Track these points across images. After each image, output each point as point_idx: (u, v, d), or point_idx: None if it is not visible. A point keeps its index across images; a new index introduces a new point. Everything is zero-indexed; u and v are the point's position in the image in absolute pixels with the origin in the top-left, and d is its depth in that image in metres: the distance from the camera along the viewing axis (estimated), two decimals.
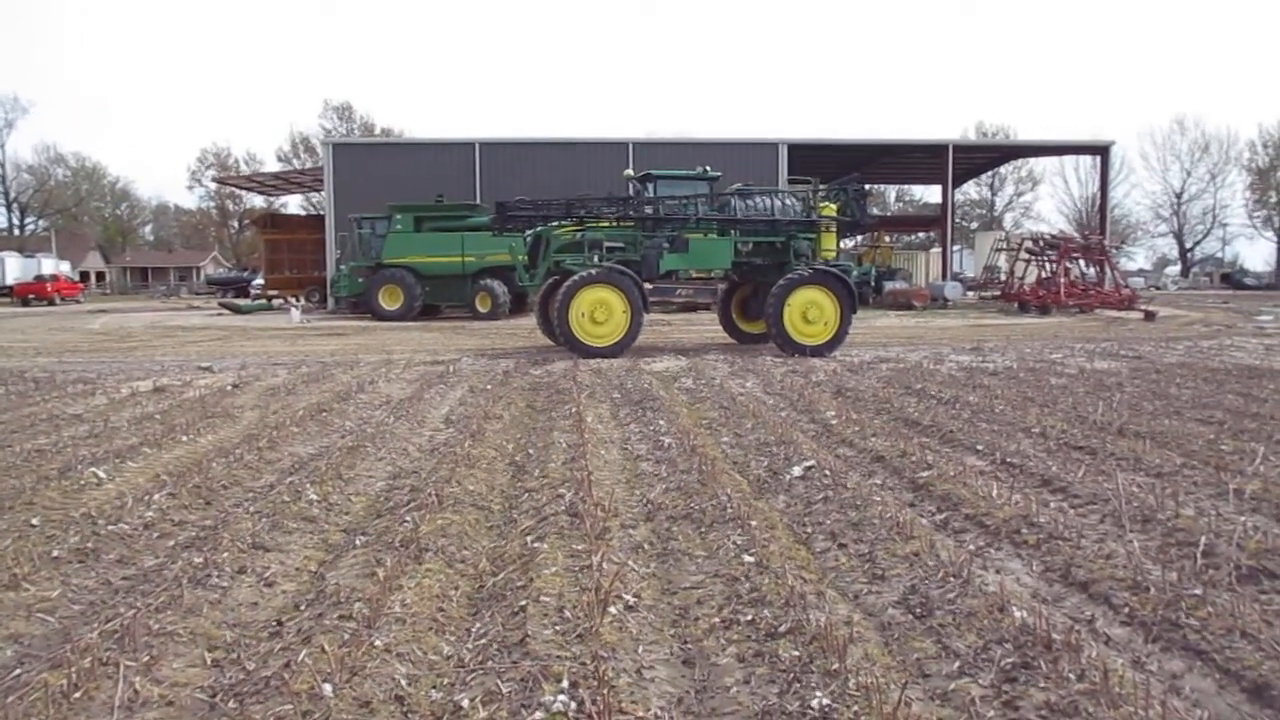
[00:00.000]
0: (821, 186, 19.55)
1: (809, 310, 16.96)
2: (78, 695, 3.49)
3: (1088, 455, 7.47)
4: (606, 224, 18.16)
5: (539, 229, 18.22)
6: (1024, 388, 11.61)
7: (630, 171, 19.29)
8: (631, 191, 19.21)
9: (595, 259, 17.46)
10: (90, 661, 3.69)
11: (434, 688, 3.60)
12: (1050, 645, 3.69)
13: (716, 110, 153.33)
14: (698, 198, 18.29)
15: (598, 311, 16.56)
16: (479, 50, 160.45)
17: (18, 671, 3.79)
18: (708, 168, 19.36)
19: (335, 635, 3.94)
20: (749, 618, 4.18)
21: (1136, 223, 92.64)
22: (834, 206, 18.54)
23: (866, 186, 18.72)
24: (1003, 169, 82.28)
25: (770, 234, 18.20)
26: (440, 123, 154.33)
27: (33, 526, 5.70)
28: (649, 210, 18.16)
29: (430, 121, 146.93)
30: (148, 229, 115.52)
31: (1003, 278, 38.24)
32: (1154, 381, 12.11)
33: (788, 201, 18.62)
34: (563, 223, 18.12)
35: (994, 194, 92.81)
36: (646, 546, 5.40)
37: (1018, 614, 4.01)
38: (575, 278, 16.69)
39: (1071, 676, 3.47)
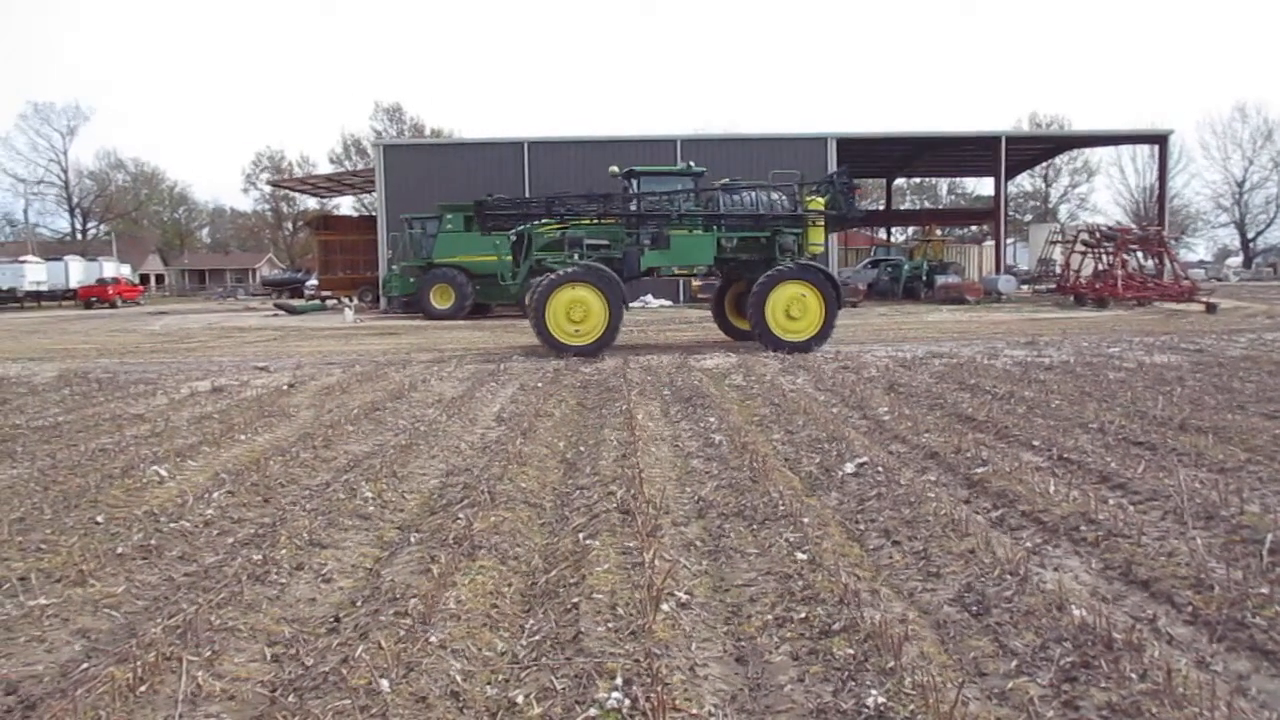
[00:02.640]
0: (813, 182, 19.12)
1: (792, 306, 16.77)
2: (143, 689, 3.57)
3: (1148, 451, 7.32)
4: (589, 221, 18.02)
5: (523, 227, 18.07)
6: (1081, 382, 11.41)
7: (615, 168, 19.13)
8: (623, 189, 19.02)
9: (576, 257, 17.35)
10: (155, 656, 3.78)
11: (489, 684, 3.64)
12: (1111, 644, 3.62)
13: (764, 106, 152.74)
14: (681, 193, 18.08)
15: (574, 310, 16.45)
16: (527, 50, 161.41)
17: (85, 665, 3.89)
18: (691, 163, 19.17)
19: (391, 631, 3.99)
20: (802, 615, 4.16)
21: (1196, 213, 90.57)
22: (822, 200, 18.24)
23: (854, 179, 18.22)
24: (1057, 160, 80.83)
25: (755, 229, 17.94)
26: (488, 123, 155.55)
27: (98, 524, 5.85)
28: (628, 207, 18.02)
29: (478, 122, 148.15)
30: (205, 232, 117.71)
31: (1058, 271, 37.59)
32: (1216, 375, 11.84)
33: (773, 196, 18.23)
34: (548, 221, 18.00)
35: (1048, 185, 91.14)
36: (698, 544, 5.39)
37: (1077, 612, 3.95)
38: (552, 277, 16.61)
39: (1133, 676, 3.41)
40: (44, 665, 3.92)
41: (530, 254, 17.71)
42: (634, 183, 18.52)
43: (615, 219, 18.03)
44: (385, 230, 39.58)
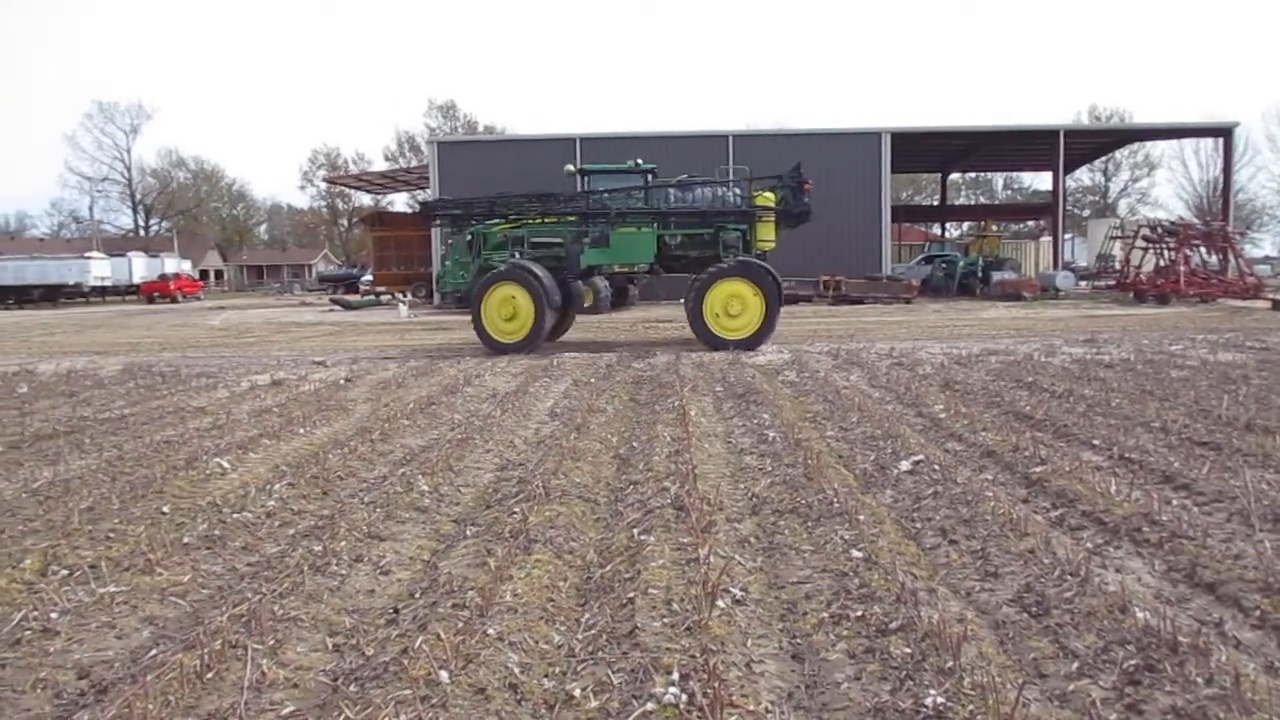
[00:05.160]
0: (763, 178, 18.86)
1: (730, 304, 16.64)
2: (210, 676, 3.66)
3: (1212, 451, 7.16)
4: (534, 220, 18.12)
5: (477, 227, 18.23)
6: (1142, 381, 11.18)
7: (570, 167, 19.28)
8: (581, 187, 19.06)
9: (517, 256, 17.45)
10: (220, 644, 3.87)
11: (546, 676, 3.67)
12: (1176, 647, 3.56)
13: (815, 101, 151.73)
14: (624, 190, 18.05)
15: (504, 309, 16.68)
16: (580, 45, 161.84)
17: (154, 652, 4.00)
18: (639, 160, 19.13)
19: (449, 623, 4.03)
20: (858, 613, 4.14)
21: (1262, 207, 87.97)
22: (772, 195, 18.01)
23: (805, 174, 18.02)
24: (1117, 154, 79.29)
25: (699, 225, 17.81)
26: (540, 119, 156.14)
27: (163, 514, 5.99)
28: (570, 205, 18.13)
29: (530, 119, 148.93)
30: (263, 228, 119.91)
31: (1117, 266, 36.86)
32: None
33: (720, 191, 18.06)
34: (499, 220, 18.18)
35: (1108, 180, 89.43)
36: (753, 540, 5.39)
37: (1140, 615, 3.88)
38: (486, 276, 16.89)
39: (1199, 680, 3.34)
40: (114, 651, 4.03)
41: (482, 253, 17.91)
42: (585, 180, 18.59)
43: (559, 218, 18.16)
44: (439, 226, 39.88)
